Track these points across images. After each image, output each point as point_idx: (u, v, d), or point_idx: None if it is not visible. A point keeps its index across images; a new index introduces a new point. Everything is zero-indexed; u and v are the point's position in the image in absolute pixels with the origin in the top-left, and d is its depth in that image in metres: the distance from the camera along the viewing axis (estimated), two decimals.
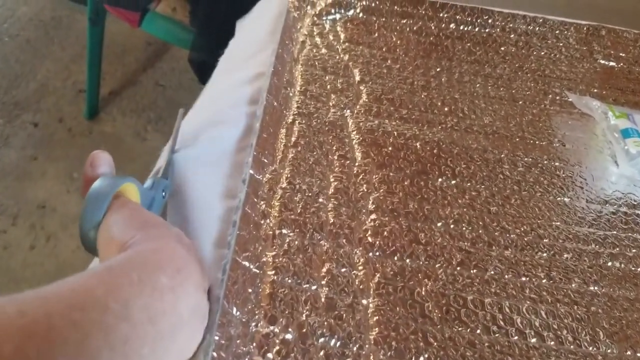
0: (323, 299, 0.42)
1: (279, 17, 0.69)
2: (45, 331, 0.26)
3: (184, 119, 0.56)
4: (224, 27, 0.74)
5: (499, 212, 0.52)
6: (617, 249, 0.51)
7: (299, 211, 0.48)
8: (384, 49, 0.70)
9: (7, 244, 1.33)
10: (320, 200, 0.50)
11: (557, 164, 0.58)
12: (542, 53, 0.73)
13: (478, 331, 0.42)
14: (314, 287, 0.42)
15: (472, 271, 0.46)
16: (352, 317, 0.41)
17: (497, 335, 0.42)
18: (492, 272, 0.47)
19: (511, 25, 0.76)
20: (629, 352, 0.43)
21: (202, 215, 0.45)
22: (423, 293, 0.44)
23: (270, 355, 0.38)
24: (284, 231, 0.46)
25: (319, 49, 0.68)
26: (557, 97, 0.67)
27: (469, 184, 0.54)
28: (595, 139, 0.62)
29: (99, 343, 0.27)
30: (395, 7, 0.75)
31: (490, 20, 0.76)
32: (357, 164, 0.54)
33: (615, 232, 0.52)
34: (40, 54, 1.79)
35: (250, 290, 0.40)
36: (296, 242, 0.45)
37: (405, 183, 0.53)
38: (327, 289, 0.42)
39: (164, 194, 0.47)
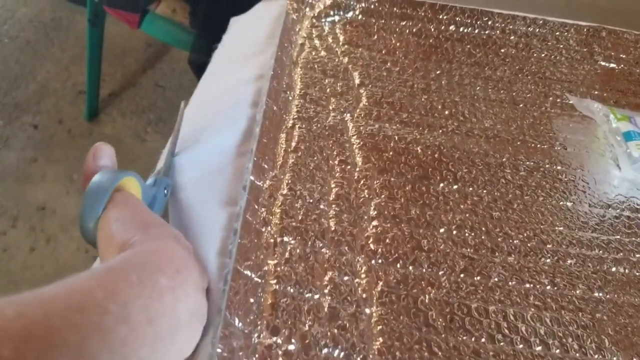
0: (326, 309, 0.41)
1: (278, 19, 0.69)
2: (44, 333, 0.26)
3: (183, 121, 0.56)
4: (223, 29, 0.74)
5: (501, 218, 0.52)
6: (621, 254, 0.50)
7: (300, 218, 0.48)
8: (383, 52, 0.69)
9: (7, 246, 1.32)
10: (322, 206, 0.49)
11: (559, 167, 0.58)
12: (543, 55, 0.73)
13: (483, 340, 0.42)
14: (316, 296, 0.42)
15: (475, 278, 0.46)
16: (356, 327, 0.41)
17: (502, 343, 0.42)
18: (496, 279, 0.46)
19: (511, 27, 0.75)
20: None
21: (205, 223, 0.45)
22: (427, 301, 0.44)
23: None
24: (286, 239, 0.46)
25: (318, 52, 0.67)
26: (558, 100, 0.67)
27: (470, 189, 0.54)
28: (597, 142, 0.62)
29: (98, 345, 0.27)
30: (395, 9, 0.74)
31: (490, 22, 0.75)
32: (358, 169, 0.54)
33: (618, 237, 0.52)
34: (40, 56, 1.79)
35: (252, 300, 0.40)
36: (298, 250, 0.45)
37: (407, 188, 0.53)
38: (329, 298, 0.42)
39: (165, 192, 0.47)
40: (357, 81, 0.64)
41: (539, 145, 0.60)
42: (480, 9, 0.75)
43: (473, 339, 0.42)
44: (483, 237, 0.50)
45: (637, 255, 0.51)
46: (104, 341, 0.27)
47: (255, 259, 0.42)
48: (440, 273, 0.46)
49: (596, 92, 0.69)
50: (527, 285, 0.46)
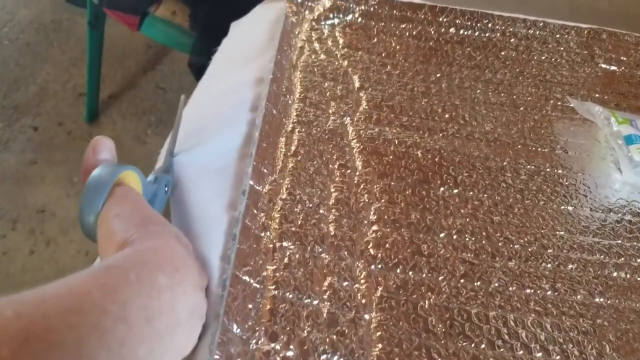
0: (325, 314, 0.41)
1: (277, 22, 0.68)
2: (42, 334, 0.26)
3: (182, 121, 0.56)
4: (223, 31, 0.74)
5: (502, 222, 0.51)
6: (622, 258, 0.50)
7: (299, 223, 0.47)
8: (383, 55, 0.69)
9: (7, 249, 1.32)
10: (321, 211, 0.49)
11: (559, 171, 0.58)
12: (543, 57, 0.73)
13: (483, 346, 0.41)
14: (315, 302, 0.42)
15: (475, 283, 0.46)
16: (355, 333, 0.40)
17: (502, 350, 0.41)
18: (496, 284, 0.46)
19: (511, 29, 0.75)
20: None
21: (206, 226, 0.45)
22: (426, 307, 0.43)
23: None
24: (285, 244, 0.45)
25: (317, 55, 0.67)
26: (559, 103, 0.66)
27: (471, 193, 0.54)
28: (598, 145, 0.62)
29: (97, 345, 0.27)
30: (394, 12, 0.74)
31: (490, 25, 0.75)
32: (357, 173, 0.53)
33: (619, 242, 0.52)
34: (40, 58, 1.79)
35: (250, 306, 0.40)
36: (297, 256, 0.45)
37: (407, 192, 0.53)
38: (328, 303, 0.42)
39: (166, 189, 0.46)
40: (356, 84, 0.64)
41: (539, 149, 0.60)
42: (480, 12, 0.75)
43: (473, 345, 0.41)
44: (483, 242, 0.49)
45: (639, 260, 0.50)
46: (102, 341, 0.27)
47: (254, 264, 0.42)
48: (440, 278, 0.46)
49: (597, 95, 0.68)
50: (528, 291, 0.46)
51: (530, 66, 0.71)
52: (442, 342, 0.41)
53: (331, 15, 0.73)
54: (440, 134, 0.59)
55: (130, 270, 0.31)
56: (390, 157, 0.56)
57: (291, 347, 0.39)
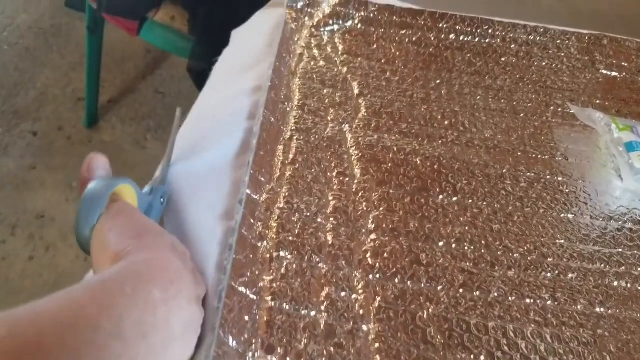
0: (322, 326, 0.41)
1: (277, 28, 0.68)
2: (36, 352, 0.26)
3: (181, 127, 0.55)
4: (223, 36, 0.74)
5: (501, 230, 0.51)
6: (623, 267, 0.50)
7: (297, 232, 0.47)
8: (382, 61, 0.69)
9: (6, 255, 1.32)
10: (319, 220, 0.49)
11: (560, 178, 0.57)
12: (544, 63, 0.72)
13: (482, 357, 0.41)
14: (312, 313, 0.41)
15: (475, 293, 0.45)
16: (353, 345, 0.40)
17: None
18: (496, 294, 0.45)
19: (512, 35, 0.75)
20: None
21: (202, 238, 0.45)
22: (425, 317, 0.43)
23: None
24: (282, 254, 0.45)
25: (317, 62, 0.67)
26: (559, 109, 0.66)
27: (470, 201, 0.53)
28: (599, 152, 0.61)
29: None
30: (394, 18, 0.74)
31: (490, 31, 0.74)
32: (356, 181, 0.53)
33: (620, 250, 0.51)
34: (40, 62, 1.78)
35: (247, 318, 0.39)
36: (294, 266, 0.44)
37: (406, 201, 0.52)
38: (326, 314, 0.41)
39: (162, 200, 0.46)
40: (356, 91, 0.63)
41: (539, 156, 0.59)
42: (480, 18, 0.75)
43: (472, 357, 0.41)
44: (483, 251, 0.49)
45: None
46: (97, 358, 0.27)
47: (250, 275, 0.42)
48: (439, 288, 0.45)
49: (598, 102, 0.68)
50: (528, 301, 0.45)
51: (531, 72, 0.71)
52: (441, 353, 0.41)
53: (331, 22, 0.72)
54: (440, 141, 0.59)
55: (125, 285, 0.31)
56: (389, 164, 0.55)
57: (288, 359, 0.38)
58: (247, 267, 0.42)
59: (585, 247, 0.51)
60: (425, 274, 0.46)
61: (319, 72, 0.65)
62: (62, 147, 1.56)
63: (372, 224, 0.49)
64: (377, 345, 0.40)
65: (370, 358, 0.39)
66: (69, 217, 1.40)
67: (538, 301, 0.46)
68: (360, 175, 0.54)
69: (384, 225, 0.49)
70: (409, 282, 0.45)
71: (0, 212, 1.39)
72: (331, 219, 0.49)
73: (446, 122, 0.61)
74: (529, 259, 0.49)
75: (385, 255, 0.47)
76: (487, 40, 0.74)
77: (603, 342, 0.44)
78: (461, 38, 0.74)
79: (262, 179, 0.49)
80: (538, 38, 0.75)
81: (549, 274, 0.48)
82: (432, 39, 0.73)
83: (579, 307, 0.46)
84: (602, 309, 0.46)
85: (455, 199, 0.53)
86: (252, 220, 0.45)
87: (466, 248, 0.49)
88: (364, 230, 0.49)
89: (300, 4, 0.72)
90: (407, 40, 0.73)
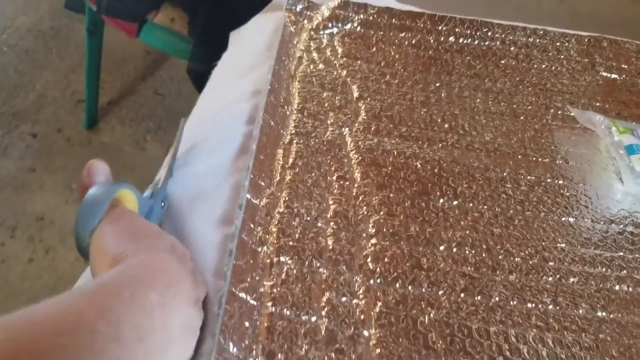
0: (323, 331, 0.40)
1: (276, 31, 0.68)
2: (33, 356, 0.26)
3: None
4: (222, 38, 0.74)
5: (502, 234, 0.51)
6: (625, 271, 0.50)
7: (297, 237, 0.47)
8: (382, 64, 0.68)
9: (6, 257, 1.32)
10: (319, 224, 0.48)
11: (560, 182, 0.57)
12: (543, 66, 0.72)
13: None
14: (313, 319, 0.41)
15: (476, 298, 0.45)
16: (354, 351, 0.40)
17: None
18: (497, 299, 0.45)
19: (511, 37, 0.75)
20: None
21: (200, 243, 0.45)
22: (426, 322, 0.43)
23: None
24: (282, 259, 0.45)
25: (316, 65, 0.67)
26: (559, 112, 0.66)
27: (471, 205, 0.53)
28: (599, 155, 0.61)
29: None
30: (394, 21, 0.74)
31: (489, 33, 0.74)
32: (356, 185, 0.53)
33: (622, 254, 0.51)
34: (39, 64, 1.78)
35: (247, 324, 0.39)
36: (294, 271, 0.44)
37: (406, 204, 0.52)
38: (327, 320, 0.41)
39: (163, 204, 0.46)
40: (355, 94, 0.63)
41: (540, 159, 0.59)
42: (479, 20, 0.75)
43: None
44: (484, 255, 0.49)
45: None
46: None
47: (250, 280, 0.42)
48: (440, 293, 0.45)
49: (598, 104, 0.68)
50: (529, 305, 0.45)
51: (531, 75, 0.71)
52: (443, 359, 0.41)
53: (330, 25, 0.72)
54: (440, 144, 0.59)
55: (123, 288, 0.31)
56: (389, 168, 0.55)
57: None
58: (247, 272, 0.42)
59: (586, 251, 0.51)
60: (426, 279, 0.46)
61: (318, 75, 0.65)
62: (61, 148, 1.55)
63: (372, 228, 0.49)
64: (378, 350, 0.40)
65: None
66: (68, 219, 1.39)
67: (539, 305, 0.45)
68: (361, 179, 0.53)
69: (385, 230, 0.49)
70: (410, 287, 0.45)
71: (0, 214, 1.39)
72: (331, 223, 0.49)
73: (446, 125, 0.61)
74: (530, 263, 0.49)
75: (386, 259, 0.47)
76: (486, 43, 0.74)
77: (605, 346, 0.43)
78: (460, 40, 0.74)
79: (262, 183, 0.49)
80: (538, 40, 0.75)
81: (550, 278, 0.48)
82: (432, 41, 0.73)
83: (580, 311, 0.46)
84: (604, 313, 0.46)
85: (455, 202, 0.53)
86: (252, 225, 0.45)
87: (467, 252, 0.49)
88: (364, 235, 0.49)
89: (299, 7, 0.72)
90: (406, 43, 0.72)
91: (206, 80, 0.67)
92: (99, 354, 0.27)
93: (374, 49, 0.71)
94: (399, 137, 0.59)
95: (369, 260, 0.47)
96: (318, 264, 0.45)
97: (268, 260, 0.44)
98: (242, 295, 0.40)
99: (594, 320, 0.45)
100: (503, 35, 0.75)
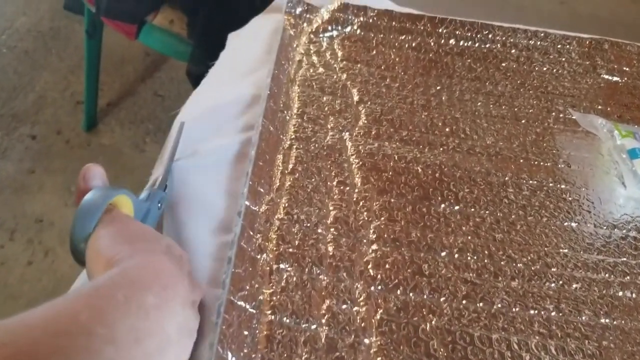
0: (323, 340, 0.40)
1: (275, 34, 0.67)
2: (30, 359, 0.26)
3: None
4: (221, 40, 0.73)
5: (504, 240, 0.50)
6: (628, 277, 0.49)
7: (297, 244, 0.46)
8: (382, 67, 0.68)
9: (5, 260, 1.31)
10: (319, 230, 0.48)
11: (562, 186, 0.56)
12: (545, 69, 0.72)
13: None
14: (313, 327, 0.41)
15: (478, 304, 0.45)
16: (354, 359, 0.39)
17: None
18: (499, 305, 0.45)
19: (512, 40, 0.74)
20: None
21: (196, 252, 0.44)
22: (428, 330, 0.42)
23: None
24: (282, 266, 0.44)
25: (316, 69, 0.66)
26: (561, 115, 0.65)
27: (472, 210, 0.53)
28: (601, 159, 0.61)
29: None
30: (394, 23, 0.73)
31: (490, 35, 0.74)
32: (357, 190, 0.52)
33: (625, 259, 0.51)
34: (39, 65, 1.78)
35: (246, 332, 0.39)
36: (294, 278, 0.44)
37: (407, 210, 0.52)
38: (327, 328, 0.41)
39: (159, 205, 0.46)
40: (355, 98, 0.63)
41: (542, 163, 0.59)
42: (480, 22, 0.74)
43: None
44: (486, 261, 0.48)
45: None
46: None
47: (250, 288, 0.41)
48: (442, 299, 0.45)
49: (599, 107, 0.67)
50: (532, 312, 0.45)
51: (532, 77, 0.70)
52: None
53: (330, 28, 0.72)
54: (441, 149, 0.58)
55: (118, 290, 0.31)
56: (390, 173, 0.55)
57: None
58: (247, 280, 0.41)
59: (589, 257, 0.50)
60: (428, 285, 0.45)
61: (318, 79, 0.65)
62: (60, 150, 1.55)
63: (373, 234, 0.49)
64: (379, 359, 0.40)
65: None
66: (67, 222, 1.38)
67: (542, 312, 0.45)
68: (361, 184, 0.53)
69: (385, 235, 0.49)
70: (411, 294, 0.45)
71: None
72: (332, 229, 0.48)
73: (447, 129, 0.61)
74: (533, 269, 0.48)
75: (387, 266, 0.46)
76: (487, 45, 0.73)
77: (608, 353, 0.43)
78: (461, 43, 0.73)
79: (261, 190, 0.49)
80: (538, 43, 0.75)
81: (552, 284, 0.47)
82: (432, 44, 0.73)
83: (583, 318, 0.45)
84: (607, 320, 0.45)
85: (457, 207, 0.53)
86: (251, 232, 0.45)
87: (469, 258, 0.48)
88: (365, 241, 0.48)
89: (298, 10, 0.71)
90: (406, 45, 0.72)
91: None
92: (96, 356, 0.27)
93: (374, 52, 0.70)
94: (400, 141, 0.58)
95: (369, 266, 0.46)
96: (318, 271, 0.45)
97: (267, 268, 0.44)
98: (241, 303, 0.40)
99: (597, 327, 0.45)
100: (504, 38, 0.74)
